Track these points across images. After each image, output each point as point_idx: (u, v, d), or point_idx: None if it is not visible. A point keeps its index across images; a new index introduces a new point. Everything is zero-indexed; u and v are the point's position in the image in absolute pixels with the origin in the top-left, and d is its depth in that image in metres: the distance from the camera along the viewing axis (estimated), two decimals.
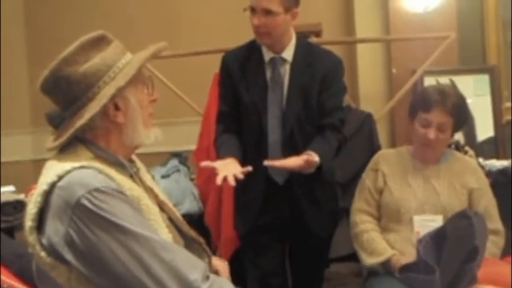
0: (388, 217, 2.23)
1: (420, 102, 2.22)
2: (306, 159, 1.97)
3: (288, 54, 2.18)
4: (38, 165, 1.37)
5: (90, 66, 1.31)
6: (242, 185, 2.08)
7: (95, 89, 1.31)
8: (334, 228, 2.40)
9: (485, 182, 2.27)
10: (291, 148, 2.11)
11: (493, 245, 2.11)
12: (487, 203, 2.20)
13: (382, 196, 2.26)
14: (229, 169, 1.92)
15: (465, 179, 2.22)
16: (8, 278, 1.05)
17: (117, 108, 1.33)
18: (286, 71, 2.18)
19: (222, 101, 2.29)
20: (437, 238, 1.31)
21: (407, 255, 2.06)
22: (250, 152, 2.17)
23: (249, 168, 1.91)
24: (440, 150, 2.25)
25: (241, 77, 2.20)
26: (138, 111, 1.37)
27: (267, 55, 2.18)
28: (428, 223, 2.12)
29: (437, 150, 2.22)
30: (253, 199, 2.22)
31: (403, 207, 2.18)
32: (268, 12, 2.04)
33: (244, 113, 2.21)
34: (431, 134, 2.14)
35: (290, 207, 2.21)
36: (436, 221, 2.12)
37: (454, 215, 1.35)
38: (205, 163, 2.00)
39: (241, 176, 1.88)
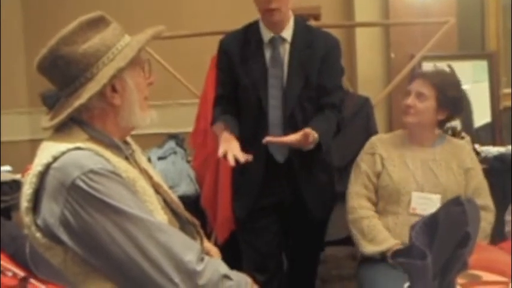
0: (386, 200, 2.24)
1: (410, 77, 2.34)
2: (303, 133, 1.98)
3: (287, 33, 2.20)
4: (35, 145, 1.37)
5: (89, 46, 1.30)
6: (241, 166, 2.09)
7: (94, 69, 1.30)
8: (330, 211, 2.42)
9: (477, 162, 2.34)
10: (291, 127, 2.13)
11: (483, 220, 2.11)
12: (479, 182, 2.26)
13: (380, 179, 2.27)
14: (231, 147, 1.95)
15: (461, 160, 2.27)
16: (4, 262, 1.05)
17: (114, 89, 1.33)
18: (285, 50, 2.20)
19: (220, 85, 2.30)
20: (431, 224, 1.32)
21: (406, 240, 2.08)
22: (251, 132, 2.18)
23: (250, 157, 1.93)
24: (426, 123, 2.26)
25: (240, 58, 2.21)
26: (135, 93, 1.37)
27: (267, 35, 2.20)
28: (425, 201, 2.17)
29: (420, 121, 2.24)
30: (253, 179, 2.23)
31: (403, 188, 2.20)
32: None
33: (243, 95, 2.22)
34: (409, 100, 2.23)
35: (289, 187, 2.23)
36: (433, 200, 2.17)
37: (447, 202, 1.36)
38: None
39: (242, 160, 1.91)
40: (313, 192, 2.25)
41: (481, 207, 2.08)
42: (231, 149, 1.93)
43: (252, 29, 2.24)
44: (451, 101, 2.25)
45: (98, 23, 1.34)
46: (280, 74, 2.18)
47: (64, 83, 1.33)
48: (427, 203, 2.16)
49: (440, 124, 2.34)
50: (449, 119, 2.33)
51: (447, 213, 1.29)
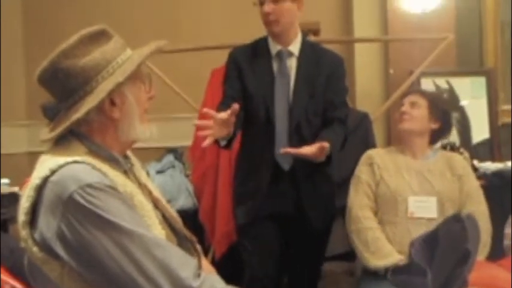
0: (384, 209, 2.28)
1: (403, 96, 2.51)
2: (319, 146, 2.03)
3: (295, 48, 2.29)
4: (33, 158, 1.36)
5: (89, 60, 1.30)
6: (246, 174, 2.26)
7: (93, 83, 1.30)
8: (331, 223, 2.42)
9: (469, 169, 2.44)
10: (297, 138, 2.21)
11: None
12: (471, 186, 2.33)
13: (378, 188, 2.31)
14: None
15: (453, 167, 2.35)
16: (2, 274, 1.04)
17: (113, 103, 1.33)
18: (292, 63, 2.28)
19: (228, 88, 2.30)
20: (430, 241, 1.32)
21: (407, 249, 2.09)
22: (258, 141, 2.25)
23: (236, 105, 1.89)
24: (419, 130, 2.37)
25: (248, 70, 2.28)
26: (134, 107, 1.36)
27: (274, 48, 2.28)
28: (422, 204, 2.24)
29: (414, 127, 2.37)
30: (259, 186, 2.25)
31: (399, 195, 2.26)
32: (276, 0, 2.16)
33: (250, 105, 2.26)
34: (404, 107, 2.38)
35: (292, 196, 2.25)
36: (429, 202, 2.24)
37: (446, 218, 1.37)
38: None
39: (224, 115, 1.88)
40: (315, 203, 2.28)
41: (473, 212, 2.11)
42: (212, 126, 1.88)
43: (261, 43, 2.33)
44: (442, 112, 2.40)
45: (99, 37, 1.34)
46: (286, 86, 2.25)
47: (63, 96, 1.33)
48: (424, 206, 2.23)
49: (433, 137, 2.43)
50: (441, 133, 2.44)
51: (447, 230, 1.29)
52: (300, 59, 2.28)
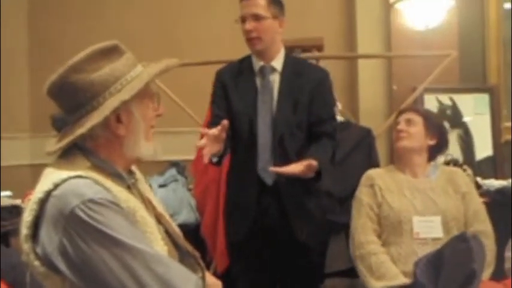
0: (388, 230, 2.26)
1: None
2: (306, 164, 2.06)
3: (278, 63, 2.32)
4: (36, 170, 1.36)
5: (98, 75, 1.30)
6: (233, 191, 2.28)
7: (100, 98, 1.30)
8: (323, 238, 2.40)
9: (472, 186, 2.44)
10: (280, 152, 2.23)
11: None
12: (477, 205, 2.33)
13: (381, 210, 2.29)
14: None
15: (456, 185, 2.34)
16: None
17: (119, 120, 1.33)
18: (275, 79, 2.31)
19: (215, 107, 2.38)
20: (435, 260, 1.30)
21: (411, 268, 2.08)
22: (242, 156, 2.28)
23: (225, 121, 1.94)
24: (416, 147, 2.37)
25: (233, 86, 2.32)
26: (140, 124, 1.36)
27: (257, 64, 2.32)
28: (427, 223, 2.22)
29: (412, 145, 2.37)
30: (246, 202, 2.26)
31: (404, 216, 2.24)
32: (257, 17, 2.22)
33: (235, 121, 2.28)
34: (400, 125, 2.39)
35: (278, 211, 2.25)
36: (434, 222, 2.22)
37: (452, 238, 1.36)
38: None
39: (216, 131, 1.93)
40: (302, 217, 2.27)
41: (480, 232, 2.17)
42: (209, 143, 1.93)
43: (245, 61, 2.37)
44: (437, 128, 2.41)
45: (110, 52, 1.34)
46: (270, 101, 2.28)
47: (71, 110, 1.33)
48: (429, 226, 2.22)
49: (431, 154, 2.42)
50: (438, 148, 2.43)
51: (453, 250, 1.28)
52: (283, 74, 2.30)
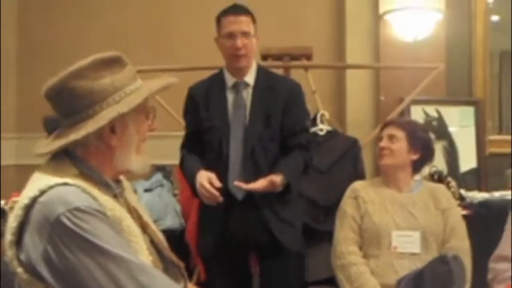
0: (368, 243, 2.27)
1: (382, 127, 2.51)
2: (269, 179, 2.12)
3: (250, 78, 2.35)
4: (21, 171, 1.36)
5: (98, 84, 1.30)
6: (203, 206, 2.30)
7: (97, 107, 1.30)
8: (302, 244, 2.42)
9: (454, 203, 2.44)
10: (252, 166, 2.25)
11: None
12: (455, 222, 2.33)
13: (363, 222, 2.31)
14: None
15: (437, 200, 2.35)
16: None
17: (113, 131, 1.33)
18: (248, 93, 2.33)
19: (187, 128, 2.43)
20: (416, 281, 1.31)
21: (389, 282, 2.08)
22: (211, 171, 2.24)
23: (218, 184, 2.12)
24: (399, 164, 2.37)
25: (203, 104, 2.34)
26: (134, 137, 1.37)
27: (230, 81, 2.34)
28: (405, 238, 2.24)
29: (395, 162, 2.37)
30: (215, 217, 2.28)
31: (383, 230, 2.25)
32: (246, 35, 2.25)
33: (206, 137, 2.33)
34: (383, 142, 2.37)
35: (249, 225, 2.26)
36: (413, 237, 2.24)
37: (433, 260, 1.37)
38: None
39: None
40: (280, 227, 2.28)
41: (456, 249, 2.19)
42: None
43: (216, 76, 2.39)
44: (421, 141, 2.40)
45: (112, 63, 1.34)
46: (242, 115, 2.30)
47: (66, 114, 1.33)
48: (407, 241, 2.24)
49: (415, 167, 2.43)
50: (422, 161, 2.43)
51: (433, 271, 1.30)
52: (255, 88, 2.33)
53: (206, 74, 2.52)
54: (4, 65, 3.84)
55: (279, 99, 2.31)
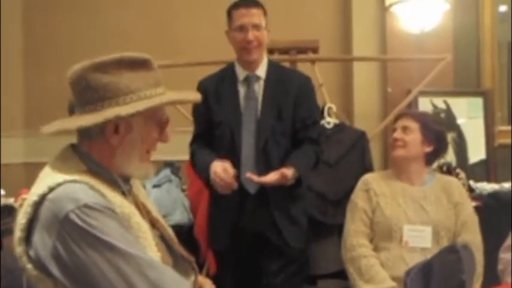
0: (379, 236, 2.27)
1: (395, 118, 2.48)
2: (281, 173, 2.11)
3: (261, 71, 2.34)
4: (29, 169, 1.37)
5: (114, 81, 1.30)
6: (216, 199, 2.30)
7: (105, 103, 1.30)
8: (306, 243, 2.42)
9: (466, 197, 2.41)
10: (264, 160, 2.24)
11: None
12: (467, 215, 2.31)
13: (374, 215, 2.29)
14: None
15: (450, 194, 2.33)
16: None
17: (116, 130, 1.32)
18: (260, 87, 2.32)
19: (197, 125, 2.43)
20: (425, 270, 1.31)
21: (399, 274, 2.08)
22: None
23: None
24: (412, 156, 2.35)
25: (215, 96, 2.33)
26: (137, 143, 1.36)
27: (241, 74, 2.33)
28: (416, 233, 2.23)
29: (408, 154, 2.35)
30: (227, 211, 2.28)
31: (394, 224, 2.24)
32: (257, 27, 2.24)
33: (217, 130, 2.32)
34: (397, 133, 2.36)
35: (261, 219, 2.26)
36: (425, 232, 2.22)
37: (442, 249, 1.36)
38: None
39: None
40: (286, 223, 2.27)
41: (467, 243, 2.16)
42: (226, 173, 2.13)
43: (228, 70, 2.38)
44: (435, 134, 2.37)
45: (138, 64, 1.33)
46: (254, 108, 2.29)
47: (79, 103, 1.33)
48: (419, 235, 2.22)
49: (428, 159, 2.41)
50: (436, 154, 2.41)
51: (442, 261, 1.29)
52: (267, 81, 2.32)
53: (211, 69, 2.51)
54: (11, 63, 3.86)
55: (290, 93, 2.30)
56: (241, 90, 2.32)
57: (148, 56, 1.37)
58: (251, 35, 2.23)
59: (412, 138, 2.34)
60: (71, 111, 1.36)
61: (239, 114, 2.29)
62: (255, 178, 2.12)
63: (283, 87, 2.31)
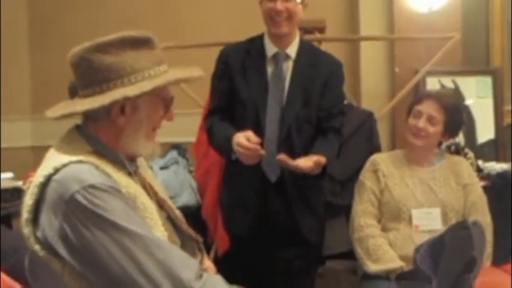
0: (387, 216, 2.26)
1: (416, 96, 2.39)
2: (316, 160, 1.96)
3: (292, 50, 2.17)
4: (37, 152, 1.37)
5: (117, 61, 1.29)
6: (234, 184, 2.19)
7: (110, 84, 1.29)
8: (323, 233, 2.37)
9: (475, 177, 2.37)
10: (287, 145, 2.11)
11: None
12: (476, 196, 2.28)
13: (382, 196, 2.29)
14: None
15: (459, 175, 2.30)
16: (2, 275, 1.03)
17: (122, 111, 1.31)
18: (288, 67, 2.17)
19: (217, 96, 2.26)
20: (435, 247, 1.31)
21: (408, 253, 2.08)
22: None
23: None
24: (431, 146, 2.31)
25: (240, 70, 2.17)
26: (143, 122, 1.35)
27: (270, 50, 2.17)
28: (426, 216, 2.21)
29: (427, 144, 2.28)
30: (249, 197, 2.20)
31: (403, 205, 2.23)
32: None
33: (240, 108, 2.18)
34: (421, 123, 2.24)
35: (280, 208, 2.19)
36: (433, 214, 2.21)
37: (453, 225, 1.36)
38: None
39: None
40: (304, 212, 2.21)
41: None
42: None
43: (255, 42, 2.21)
44: (456, 125, 2.32)
45: (140, 43, 1.32)
46: (280, 90, 2.14)
47: (82, 85, 1.33)
48: (428, 218, 2.20)
49: (440, 143, 2.41)
50: (447, 139, 2.41)
51: (453, 237, 1.28)
52: (297, 62, 2.17)
53: (215, 50, 2.46)
54: (17, 46, 3.86)
55: (320, 78, 2.15)
56: (269, 68, 2.17)
57: (150, 33, 1.35)
58: (280, 4, 2.05)
59: (436, 130, 2.26)
60: (72, 93, 1.35)
61: (265, 93, 2.14)
62: (290, 161, 1.94)
63: (313, 71, 2.16)
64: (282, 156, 1.94)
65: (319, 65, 2.18)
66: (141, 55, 1.31)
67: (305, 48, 2.21)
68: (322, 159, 1.98)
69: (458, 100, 2.37)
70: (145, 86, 1.29)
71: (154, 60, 1.34)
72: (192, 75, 1.39)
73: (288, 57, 2.17)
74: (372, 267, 2.16)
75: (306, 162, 1.96)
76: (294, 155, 2.01)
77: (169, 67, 1.39)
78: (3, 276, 1.05)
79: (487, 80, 3.46)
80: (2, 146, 3.65)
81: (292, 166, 1.95)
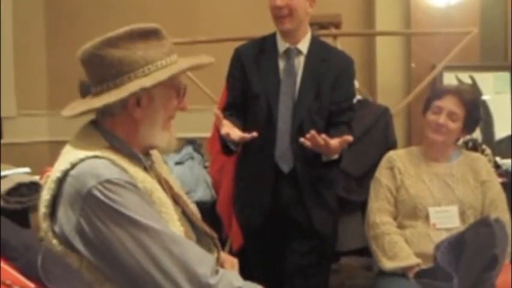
0: (404, 214, 2.25)
1: (435, 92, 2.36)
2: (345, 139, 1.95)
3: (303, 46, 2.22)
4: (54, 147, 1.38)
5: (128, 55, 1.29)
6: (247, 177, 2.23)
7: (125, 78, 1.29)
8: (335, 226, 2.38)
9: (494, 174, 2.34)
10: (299, 137, 2.09)
11: None
12: (495, 193, 2.25)
13: (399, 193, 2.27)
14: (233, 129, 2.00)
15: (477, 172, 2.28)
16: (11, 274, 1.04)
17: (138, 104, 1.32)
18: (300, 62, 2.21)
19: (231, 93, 2.32)
20: (456, 244, 1.29)
21: (425, 250, 2.07)
22: (259, 141, 2.11)
23: (255, 133, 1.96)
24: (450, 142, 2.29)
25: (254, 67, 2.22)
26: (160, 112, 1.35)
27: (282, 46, 2.21)
28: (443, 214, 2.18)
29: (447, 140, 2.26)
30: (262, 189, 2.22)
31: (420, 203, 2.21)
32: None
33: (253, 103, 2.22)
34: (442, 118, 2.22)
35: (292, 200, 2.21)
36: (451, 212, 2.18)
37: (475, 222, 1.33)
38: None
39: (248, 136, 1.96)
40: (316, 206, 2.22)
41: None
42: (232, 131, 1.97)
43: (268, 40, 2.26)
44: (474, 121, 2.30)
45: (149, 35, 1.32)
46: (292, 84, 2.19)
47: (95, 81, 1.33)
48: (445, 216, 2.18)
49: (457, 139, 2.38)
50: (465, 135, 2.39)
51: (475, 234, 1.26)
52: (309, 57, 2.20)
53: (230, 46, 2.46)
54: (34, 42, 3.89)
55: (331, 73, 2.19)
56: (281, 63, 2.21)
57: (157, 25, 1.36)
58: (279, 1, 2.09)
59: (456, 126, 2.24)
60: (84, 91, 1.36)
61: (277, 88, 2.18)
62: (318, 137, 1.91)
63: (324, 66, 2.20)
64: (313, 132, 1.92)
65: (330, 60, 2.22)
66: (151, 46, 1.32)
67: (316, 44, 2.25)
68: (349, 137, 1.96)
69: (476, 96, 2.34)
70: (160, 75, 1.30)
71: (164, 50, 1.34)
72: (203, 62, 1.40)
73: (299, 52, 2.21)
74: (388, 264, 2.15)
75: (334, 141, 1.95)
76: (306, 149, 2.03)
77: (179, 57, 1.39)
78: (17, 275, 1.05)
79: (505, 76, 3.42)
80: (19, 141, 3.70)
81: (321, 137, 1.92)
